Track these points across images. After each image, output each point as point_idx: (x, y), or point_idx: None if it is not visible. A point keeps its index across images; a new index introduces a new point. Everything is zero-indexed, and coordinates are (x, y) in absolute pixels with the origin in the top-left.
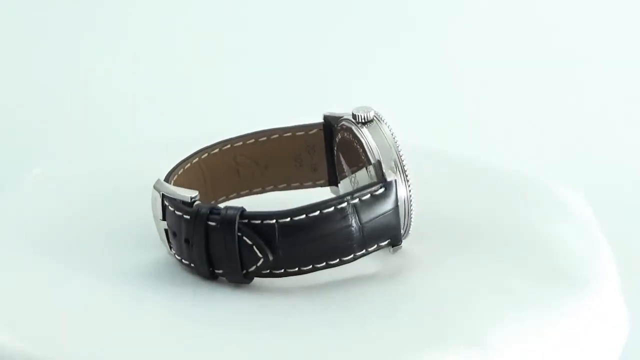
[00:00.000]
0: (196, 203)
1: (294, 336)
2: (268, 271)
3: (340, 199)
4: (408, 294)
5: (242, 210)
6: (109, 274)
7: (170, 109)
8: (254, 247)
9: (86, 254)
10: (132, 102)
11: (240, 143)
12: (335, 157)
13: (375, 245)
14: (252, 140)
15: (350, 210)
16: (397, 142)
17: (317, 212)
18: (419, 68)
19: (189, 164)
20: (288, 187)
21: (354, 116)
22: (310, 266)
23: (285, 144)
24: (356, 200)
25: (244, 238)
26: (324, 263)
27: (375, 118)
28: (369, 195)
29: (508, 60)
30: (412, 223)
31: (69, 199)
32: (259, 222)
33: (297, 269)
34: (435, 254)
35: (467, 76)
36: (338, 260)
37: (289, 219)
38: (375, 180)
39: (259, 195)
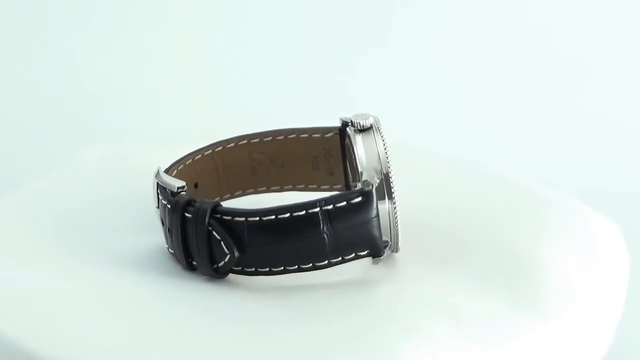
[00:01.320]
0: (181, 193)
1: (219, 332)
2: (240, 268)
3: (313, 203)
4: (360, 305)
5: (216, 204)
6: (102, 262)
7: (169, 109)
8: (222, 242)
9: (86, 242)
10: (143, 102)
11: (257, 140)
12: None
13: (353, 254)
14: (270, 138)
15: (322, 216)
16: (387, 153)
17: (287, 215)
18: (422, 69)
19: (199, 155)
20: (306, 188)
21: (351, 123)
22: (282, 268)
23: (301, 144)
24: (330, 207)
25: (214, 233)
26: (296, 266)
27: (373, 126)
28: (344, 203)
29: (510, 61)
30: (399, 236)
31: (73, 197)
32: (229, 218)
33: (268, 269)
34: (418, 266)
35: (470, 78)
36: (311, 264)
37: (258, 218)
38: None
39: (275, 194)
